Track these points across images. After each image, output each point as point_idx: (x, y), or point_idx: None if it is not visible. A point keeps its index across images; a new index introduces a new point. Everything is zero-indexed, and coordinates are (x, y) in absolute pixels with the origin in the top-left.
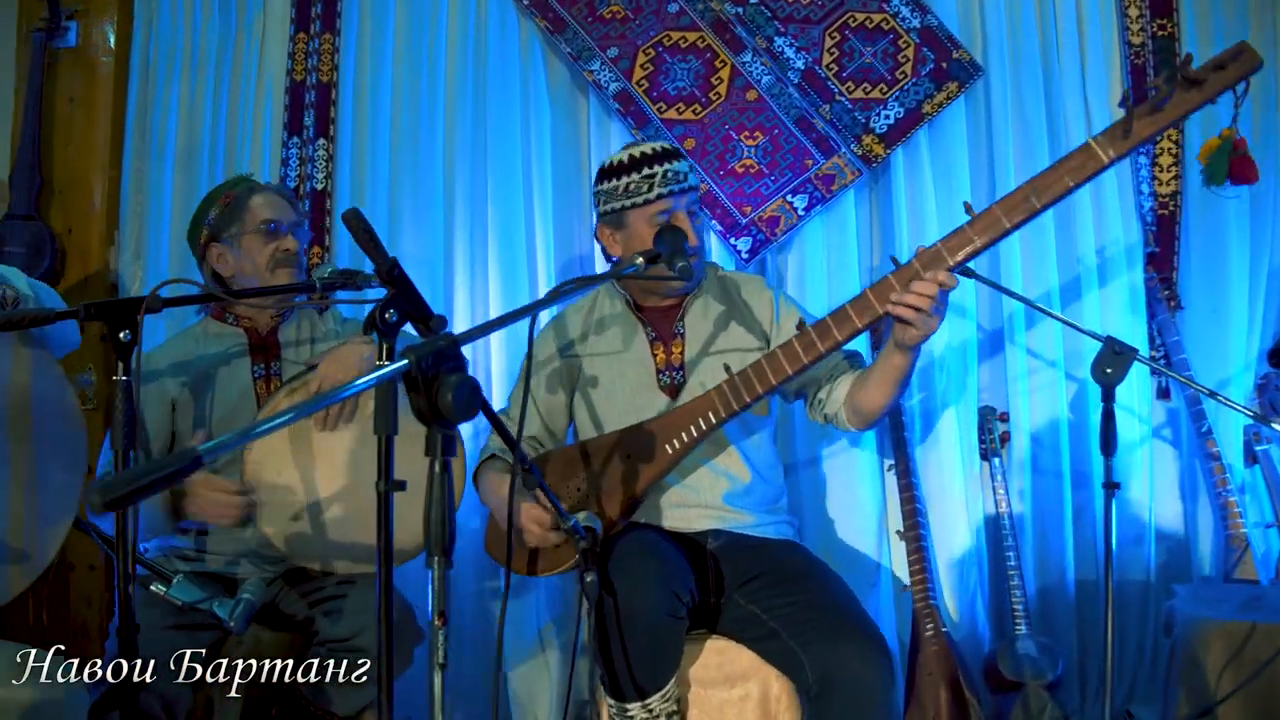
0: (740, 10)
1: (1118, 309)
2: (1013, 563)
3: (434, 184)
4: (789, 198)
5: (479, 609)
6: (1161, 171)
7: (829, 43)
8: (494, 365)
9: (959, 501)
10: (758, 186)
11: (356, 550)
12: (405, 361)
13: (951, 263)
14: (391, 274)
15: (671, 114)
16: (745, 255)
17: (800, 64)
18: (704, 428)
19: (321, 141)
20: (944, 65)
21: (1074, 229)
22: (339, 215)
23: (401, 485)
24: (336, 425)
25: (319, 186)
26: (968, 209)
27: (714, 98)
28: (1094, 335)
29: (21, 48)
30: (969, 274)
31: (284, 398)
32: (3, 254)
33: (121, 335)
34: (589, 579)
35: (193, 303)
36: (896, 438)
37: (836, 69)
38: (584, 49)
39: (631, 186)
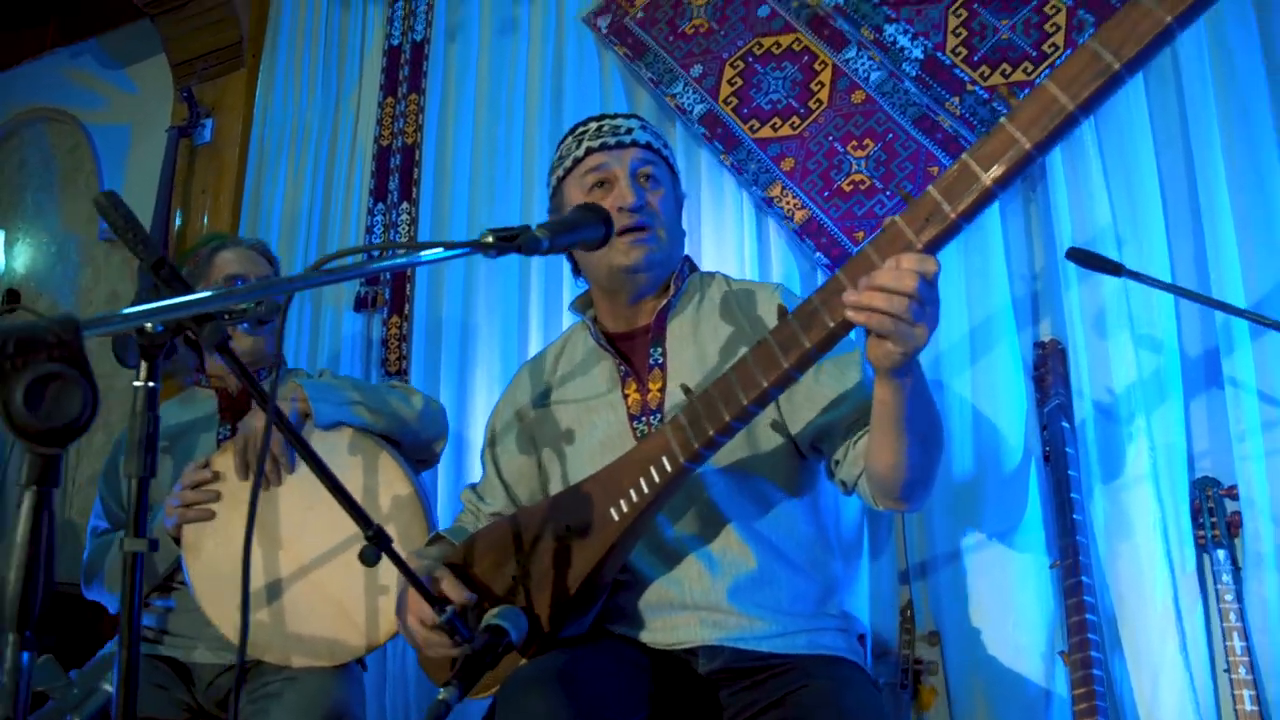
0: (841, 0)
1: None
2: (1249, 705)
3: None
4: None
5: None
6: None
7: (953, 22)
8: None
9: (1164, 615)
10: (870, 206)
11: (311, 642)
12: None
13: (921, 242)
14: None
15: (766, 132)
16: None
17: (918, 52)
18: (657, 480)
19: (405, 205)
20: None
21: None
22: (419, 287)
23: (159, 544)
24: (280, 480)
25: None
26: None
27: (814, 106)
28: None
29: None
30: (1142, 279)
31: (216, 456)
32: (126, 342)
33: None
34: (441, 695)
35: None
36: (1063, 522)
37: (965, 52)
38: (665, 72)
39: (563, 150)
